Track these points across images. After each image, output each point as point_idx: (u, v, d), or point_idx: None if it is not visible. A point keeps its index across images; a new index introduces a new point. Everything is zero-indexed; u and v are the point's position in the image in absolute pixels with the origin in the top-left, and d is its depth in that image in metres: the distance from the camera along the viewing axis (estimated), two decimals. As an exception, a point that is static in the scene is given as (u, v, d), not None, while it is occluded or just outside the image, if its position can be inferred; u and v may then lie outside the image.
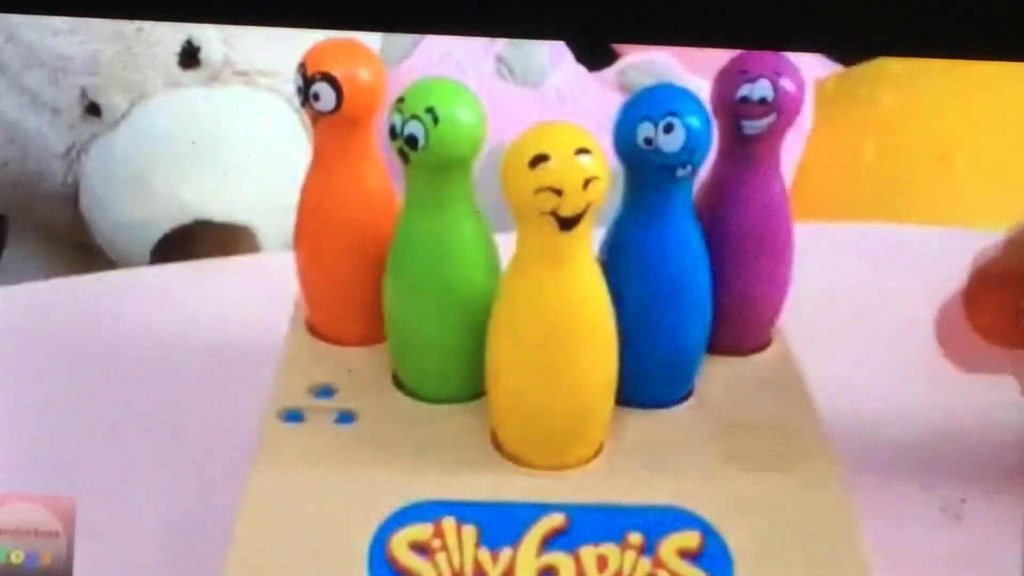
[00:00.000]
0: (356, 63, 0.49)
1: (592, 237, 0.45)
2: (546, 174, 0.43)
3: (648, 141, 0.46)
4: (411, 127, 0.46)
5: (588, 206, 0.43)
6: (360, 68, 0.49)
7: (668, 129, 0.45)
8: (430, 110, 0.46)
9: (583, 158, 0.43)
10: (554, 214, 0.43)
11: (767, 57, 0.48)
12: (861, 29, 0.50)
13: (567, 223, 0.44)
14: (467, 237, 0.48)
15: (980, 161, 0.75)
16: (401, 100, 0.46)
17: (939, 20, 0.49)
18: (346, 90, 0.48)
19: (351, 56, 0.49)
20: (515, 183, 0.43)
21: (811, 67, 0.78)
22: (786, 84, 0.48)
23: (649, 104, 0.46)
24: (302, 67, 0.49)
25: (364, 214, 0.50)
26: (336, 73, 0.48)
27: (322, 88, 0.48)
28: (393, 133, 0.46)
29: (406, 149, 0.46)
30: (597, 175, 0.43)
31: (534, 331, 0.45)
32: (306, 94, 0.49)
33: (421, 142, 0.46)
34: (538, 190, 0.43)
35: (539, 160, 0.43)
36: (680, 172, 0.46)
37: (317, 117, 0.49)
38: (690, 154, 0.46)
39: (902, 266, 0.64)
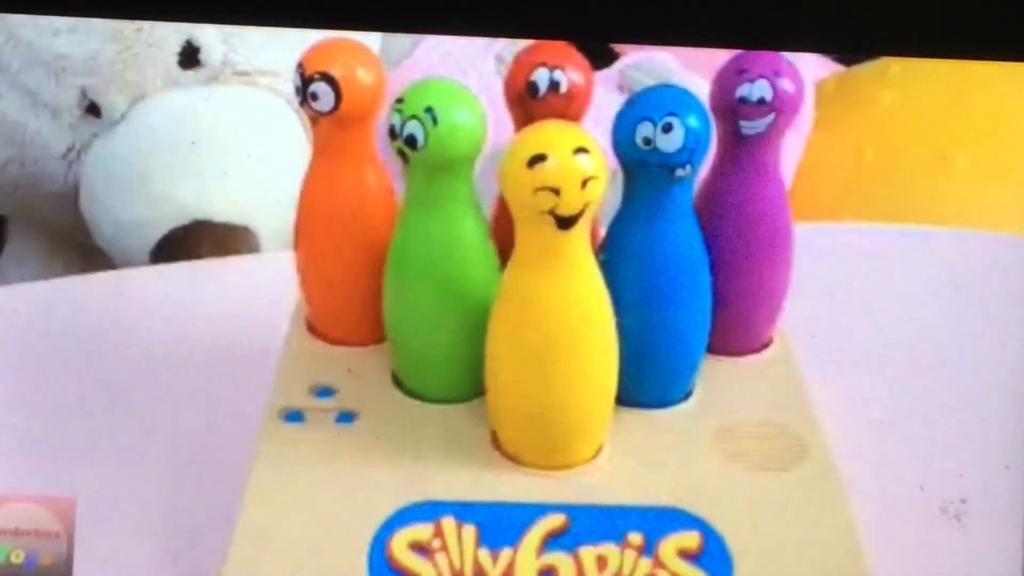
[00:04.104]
0: (355, 63, 0.49)
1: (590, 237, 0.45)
2: (544, 174, 0.43)
3: (647, 141, 0.46)
4: (410, 127, 0.46)
5: (586, 205, 0.43)
6: (359, 68, 0.49)
7: (667, 129, 0.45)
8: (429, 110, 0.46)
9: (581, 157, 0.43)
10: (552, 213, 0.43)
11: (766, 57, 0.48)
12: (861, 29, 0.50)
13: (565, 222, 0.44)
14: (467, 237, 0.48)
15: (980, 161, 0.75)
16: (400, 100, 0.46)
17: (939, 20, 0.49)
18: (345, 90, 0.48)
19: (350, 56, 0.49)
20: (514, 183, 0.44)
21: (811, 67, 0.78)
22: (785, 84, 0.48)
23: (649, 104, 0.46)
24: (300, 67, 0.49)
25: (364, 214, 0.50)
26: (334, 73, 0.48)
27: (320, 88, 0.48)
28: (392, 133, 0.46)
29: (405, 149, 0.46)
30: (595, 175, 0.43)
31: (533, 331, 0.45)
32: (304, 94, 0.49)
33: (420, 142, 0.46)
34: (537, 189, 0.43)
35: (537, 160, 0.43)
36: (679, 172, 0.46)
37: (316, 117, 0.49)
38: (689, 154, 0.46)
39: (902, 266, 0.64)
